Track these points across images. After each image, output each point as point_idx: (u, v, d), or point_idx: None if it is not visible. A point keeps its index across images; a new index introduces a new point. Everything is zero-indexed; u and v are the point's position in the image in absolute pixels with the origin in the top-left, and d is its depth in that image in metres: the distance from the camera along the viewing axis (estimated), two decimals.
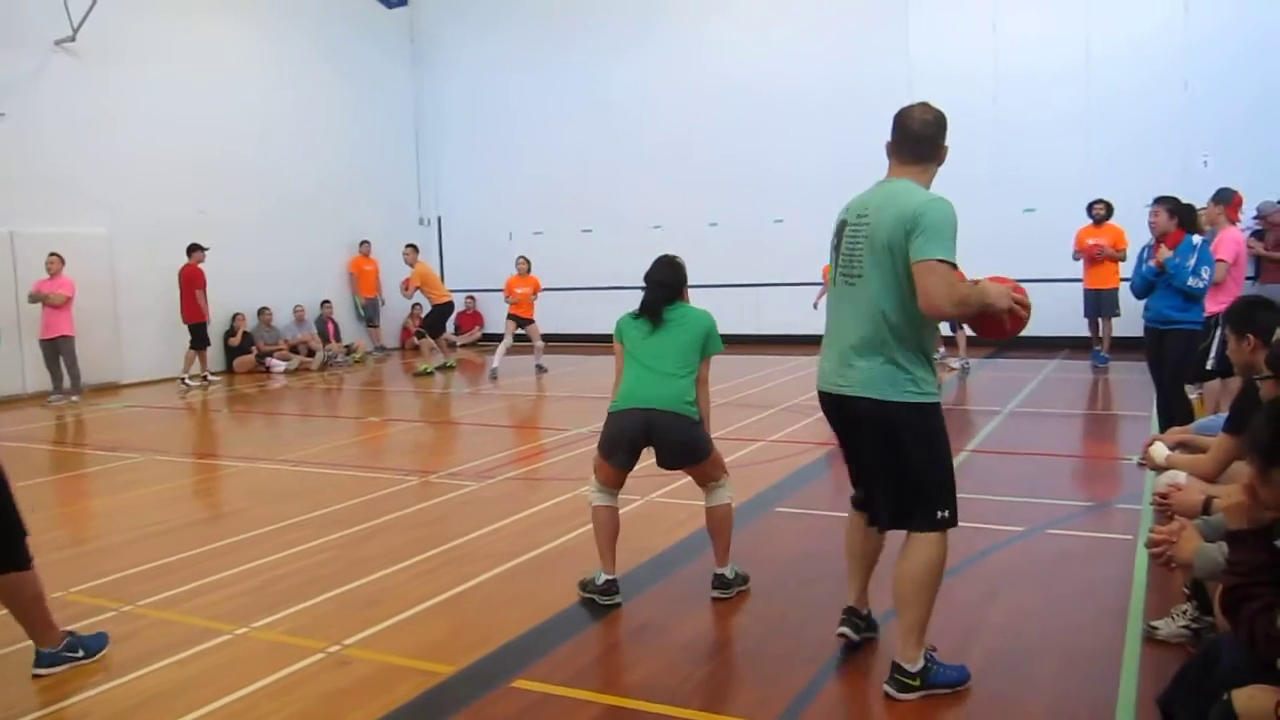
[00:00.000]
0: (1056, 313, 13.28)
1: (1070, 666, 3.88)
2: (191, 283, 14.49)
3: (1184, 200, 7.60)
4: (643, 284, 4.82)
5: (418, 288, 14.93)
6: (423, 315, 16.08)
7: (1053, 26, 15.26)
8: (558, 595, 4.81)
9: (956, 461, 3.86)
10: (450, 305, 15.53)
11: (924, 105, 3.69)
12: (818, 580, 4.97)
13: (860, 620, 4.11)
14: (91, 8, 13.69)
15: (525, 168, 19.41)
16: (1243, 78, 14.15)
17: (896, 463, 3.62)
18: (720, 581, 4.80)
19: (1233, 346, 4.37)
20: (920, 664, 3.65)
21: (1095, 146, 14.97)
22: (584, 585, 4.76)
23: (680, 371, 4.62)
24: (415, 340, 15.14)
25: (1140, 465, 6.32)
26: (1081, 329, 13.57)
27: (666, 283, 4.77)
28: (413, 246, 15.54)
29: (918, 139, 3.65)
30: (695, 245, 13.75)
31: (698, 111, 17.72)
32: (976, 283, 3.59)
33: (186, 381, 14.29)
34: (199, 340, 14.58)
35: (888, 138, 3.74)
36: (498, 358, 14.50)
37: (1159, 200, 7.49)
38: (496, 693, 3.78)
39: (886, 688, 3.68)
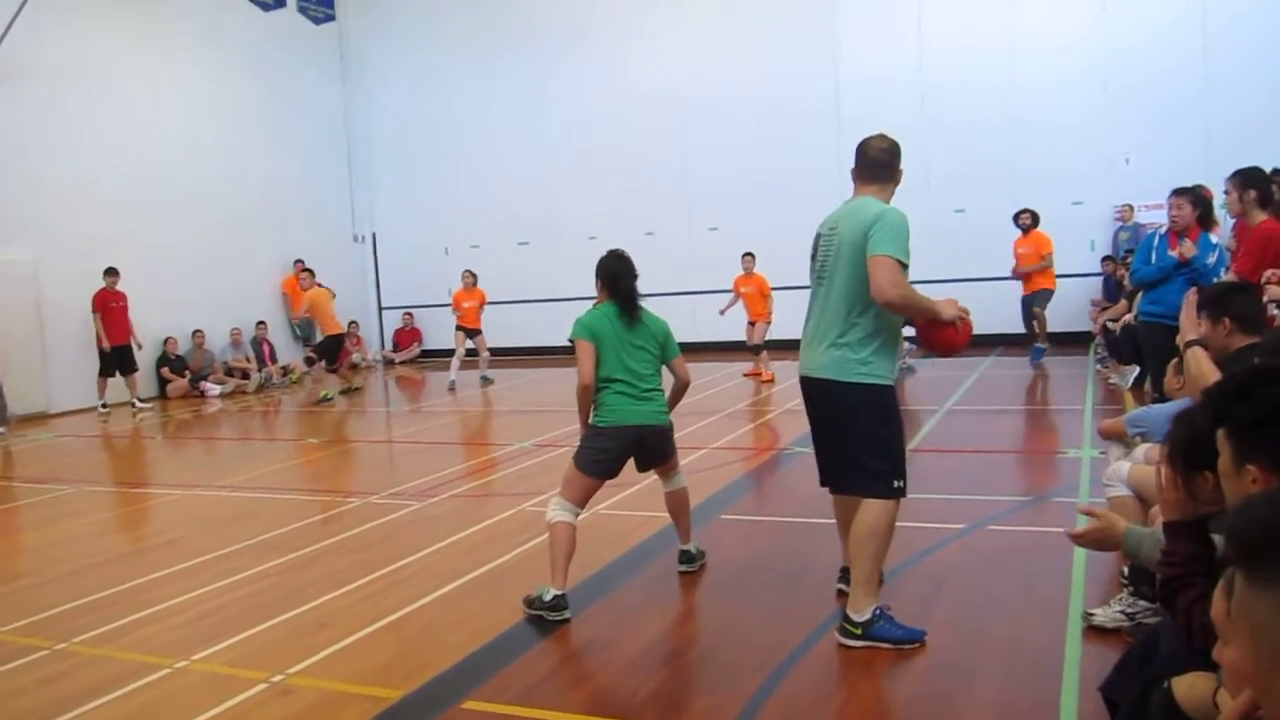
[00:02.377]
0: (989, 311, 13.48)
1: (1014, 660, 3.93)
2: (95, 307, 14.25)
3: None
4: (603, 281, 5.00)
5: (306, 315, 14.48)
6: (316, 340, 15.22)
7: (975, 32, 15.56)
8: (505, 613, 4.76)
9: None
10: (341, 338, 14.47)
11: (881, 136, 4.30)
12: (765, 587, 4.99)
13: None
14: (9, 26, 13.33)
15: (459, 182, 19.30)
16: (1159, 73, 14.53)
17: (846, 436, 4.17)
18: (686, 557, 5.27)
19: (1208, 331, 4.36)
20: (866, 615, 4.08)
21: (1021, 147, 15.28)
22: (530, 602, 4.71)
23: (658, 383, 5.02)
24: (306, 367, 14.86)
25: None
26: (1015, 326, 13.77)
27: (634, 275, 5.02)
28: (309, 271, 14.95)
29: (876, 164, 4.25)
30: (631, 255, 13.78)
31: (630, 123, 17.79)
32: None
33: (99, 411, 14.04)
34: (105, 367, 14.27)
35: (852, 163, 4.31)
36: (453, 370, 14.72)
37: (1181, 192, 7.38)
38: (446, 715, 3.73)
39: (836, 634, 4.15)
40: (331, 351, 14.33)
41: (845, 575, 4.63)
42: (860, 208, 4.12)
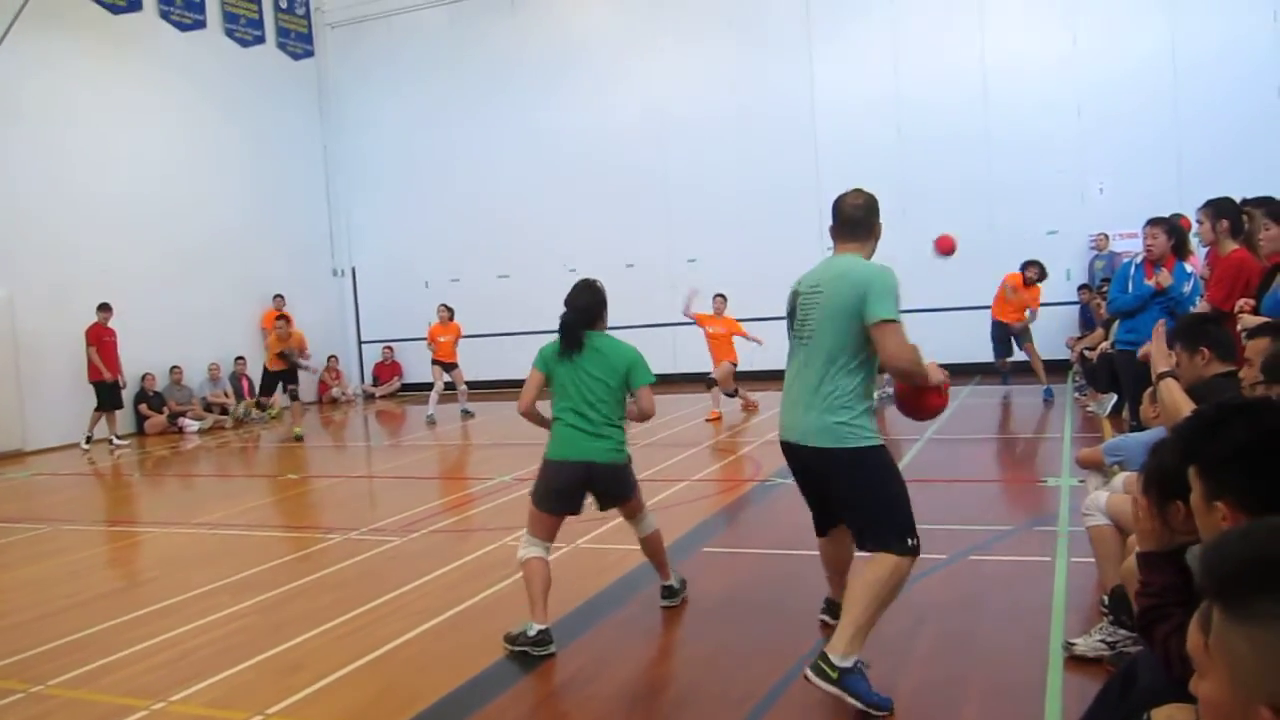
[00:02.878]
0: (968, 340, 13.59)
1: (996, 690, 3.94)
2: (90, 340, 14.16)
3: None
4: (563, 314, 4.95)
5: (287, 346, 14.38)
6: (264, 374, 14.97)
7: (950, 59, 15.76)
8: (488, 649, 4.73)
9: None
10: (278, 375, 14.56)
11: (856, 191, 4.16)
12: (747, 620, 4.98)
13: (839, 611, 4.35)
14: None
15: (439, 215, 19.34)
16: (1131, 104, 14.75)
17: (849, 499, 4.03)
18: (668, 592, 5.21)
19: (1184, 362, 4.37)
20: (848, 663, 3.78)
21: (996, 175, 15.44)
22: (513, 639, 4.68)
23: (612, 420, 4.86)
24: (290, 401, 14.81)
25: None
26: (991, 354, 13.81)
27: (585, 307, 4.92)
28: (284, 317, 14.68)
29: (853, 222, 4.11)
30: (611, 287, 13.75)
31: (609, 156, 17.89)
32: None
33: (83, 446, 13.90)
34: (101, 401, 14.17)
35: (830, 220, 4.19)
36: (431, 404, 14.82)
37: (1156, 222, 7.53)
38: None
39: (806, 670, 3.82)
40: (268, 385, 14.66)
41: (828, 607, 4.60)
42: (850, 269, 3.96)
